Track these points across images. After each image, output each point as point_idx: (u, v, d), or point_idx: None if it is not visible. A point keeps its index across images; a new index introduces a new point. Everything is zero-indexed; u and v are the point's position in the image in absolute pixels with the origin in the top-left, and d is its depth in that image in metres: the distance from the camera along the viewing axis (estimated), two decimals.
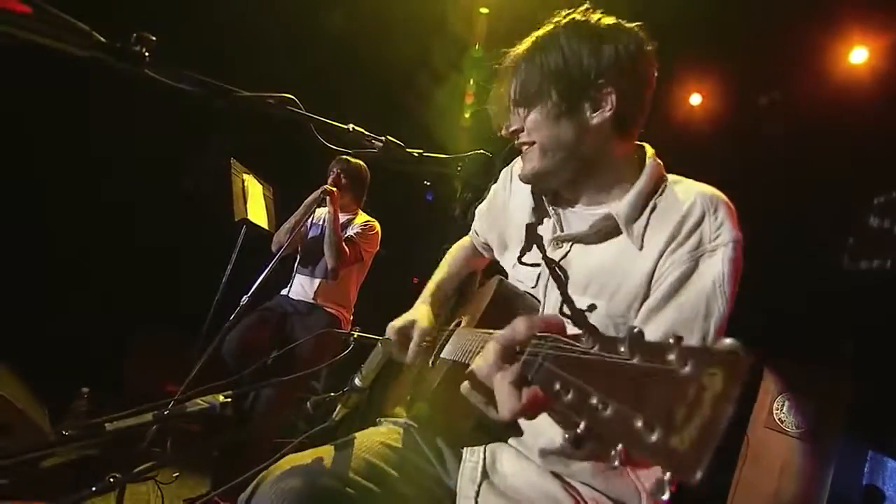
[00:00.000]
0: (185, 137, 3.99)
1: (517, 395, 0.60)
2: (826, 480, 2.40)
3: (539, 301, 1.04)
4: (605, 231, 0.98)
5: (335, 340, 2.55)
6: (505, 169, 1.24)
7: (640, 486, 0.93)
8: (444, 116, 4.43)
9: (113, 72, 0.71)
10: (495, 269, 1.30)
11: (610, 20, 1.00)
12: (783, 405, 2.65)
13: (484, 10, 4.16)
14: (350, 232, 2.94)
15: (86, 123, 3.67)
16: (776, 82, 3.60)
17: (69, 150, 3.69)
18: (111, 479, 0.85)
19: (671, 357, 0.42)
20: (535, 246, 1.06)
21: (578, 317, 0.87)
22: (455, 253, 1.44)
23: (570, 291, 0.97)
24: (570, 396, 0.49)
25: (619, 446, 0.42)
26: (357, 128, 0.96)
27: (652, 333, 0.90)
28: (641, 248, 0.94)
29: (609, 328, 0.93)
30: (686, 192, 0.96)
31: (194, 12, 3.58)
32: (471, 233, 1.41)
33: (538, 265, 1.06)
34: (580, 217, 1.03)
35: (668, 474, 0.38)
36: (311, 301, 2.93)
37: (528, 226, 1.09)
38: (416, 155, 1.00)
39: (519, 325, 0.65)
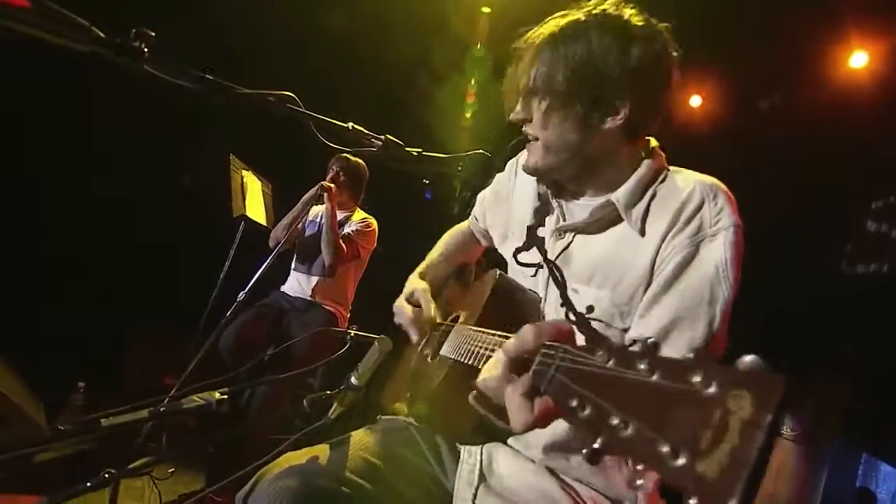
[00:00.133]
0: (185, 133, 3.98)
1: (529, 408, 0.60)
2: (820, 483, 2.41)
3: (539, 296, 1.04)
4: (607, 219, 0.98)
5: (332, 338, 2.55)
6: (511, 160, 1.23)
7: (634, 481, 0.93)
8: (445, 116, 4.43)
9: (113, 67, 0.70)
10: (491, 259, 1.30)
11: (641, 19, 0.96)
12: None
13: (486, 10, 4.15)
14: (347, 229, 2.94)
15: (86, 118, 3.66)
16: (776, 85, 3.60)
17: (68, 145, 3.68)
18: (106, 475, 0.85)
19: (695, 377, 0.40)
20: (535, 247, 1.06)
21: (580, 320, 0.87)
22: (451, 236, 1.43)
23: (573, 282, 0.97)
24: (587, 412, 0.48)
25: (641, 466, 0.41)
26: (357, 126, 0.96)
27: (657, 319, 0.89)
28: (643, 233, 0.94)
29: (615, 317, 0.93)
30: (685, 180, 0.97)
31: (195, 10, 3.57)
32: (470, 218, 1.40)
33: (538, 265, 1.06)
34: (583, 208, 1.03)
35: (694, 499, 0.36)
36: (309, 298, 2.93)
37: (528, 227, 1.09)
38: (416, 154, 1.00)
39: (528, 334, 0.64)
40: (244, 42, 3.83)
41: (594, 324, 0.92)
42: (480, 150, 1.06)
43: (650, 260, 0.91)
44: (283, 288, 3.02)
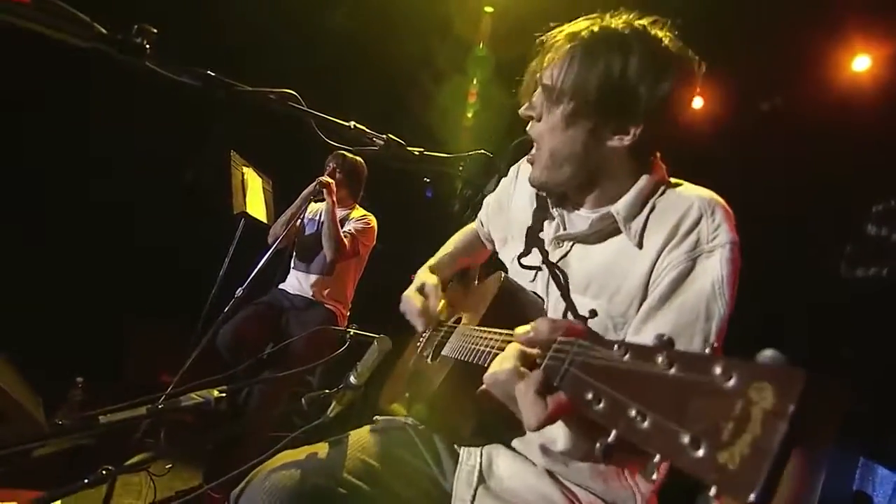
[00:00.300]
0: (185, 131, 3.98)
1: (542, 404, 0.58)
2: (817, 486, 2.41)
3: (542, 298, 1.04)
4: (606, 231, 0.98)
5: (331, 336, 2.55)
6: (514, 165, 1.23)
7: (636, 490, 0.93)
8: (447, 115, 4.42)
9: (114, 65, 0.70)
10: (495, 264, 1.30)
11: (679, 45, 0.94)
12: None
13: (489, 10, 4.14)
14: (347, 227, 2.93)
15: (86, 114, 3.65)
16: (778, 88, 3.60)
17: (69, 141, 3.67)
18: (104, 472, 0.85)
19: (715, 369, 0.40)
20: (535, 249, 1.06)
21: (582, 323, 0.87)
22: (460, 237, 1.44)
23: (571, 290, 0.97)
24: (602, 406, 0.48)
25: (658, 458, 0.41)
26: (358, 125, 0.96)
27: (651, 334, 0.90)
28: (641, 246, 0.93)
29: (609, 329, 0.93)
30: (684, 194, 0.96)
31: (197, 7, 3.56)
32: (476, 222, 1.41)
33: (538, 268, 1.06)
34: (583, 219, 1.03)
35: (714, 489, 0.36)
36: (308, 296, 2.93)
37: (528, 229, 1.09)
38: (417, 153, 1.00)
39: (542, 325, 0.63)
40: (246, 40, 3.83)
41: None
42: (482, 150, 1.06)
43: (646, 273, 0.91)
44: (283, 285, 3.02)
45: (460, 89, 4.68)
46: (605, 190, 1.00)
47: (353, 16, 3.89)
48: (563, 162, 0.97)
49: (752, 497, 0.34)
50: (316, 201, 2.90)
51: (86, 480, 0.82)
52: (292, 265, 3.04)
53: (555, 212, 1.06)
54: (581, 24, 0.96)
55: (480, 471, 0.97)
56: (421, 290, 1.23)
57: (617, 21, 0.94)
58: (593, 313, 0.69)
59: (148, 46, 0.71)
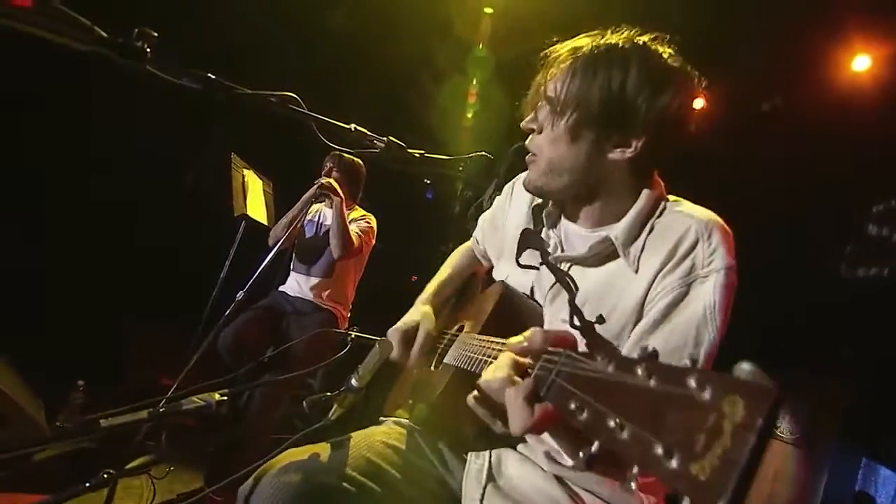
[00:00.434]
0: (186, 133, 3.98)
1: (529, 411, 0.60)
2: (819, 487, 2.41)
3: (541, 305, 1.04)
4: (604, 254, 0.98)
5: (332, 338, 2.55)
6: (508, 183, 1.23)
7: (643, 497, 0.93)
8: (447, 116, 4.43)
9: (113, 68, 0.70)
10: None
11: (677, 60, 0.96)
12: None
13: (488, 10, 4.15)
14: (350, 227, 2.93)
15: (87, 115, 3.66)
16: (778, 88, 3.60)
17: (69, 144, 3.68)
18: (105, 475, 0.85)
19: (690, 382, 0.41)
20: (533, 249, 1.06)
21: (587, 328, 0.88)
22: (457, 255, 1.45)
23: (565, 312, 0.97)
24: (585, 416, 0.49)
25: (636, 469, 0.42)
26: (359, 127, 0.96)
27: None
28: (637, 270, 0.94)
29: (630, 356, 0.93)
30: (682, 215, 0.96)
31: (197, 10, 3.56)
32: (472, 240, 1.42)
33: (534, 268, 1.06)
34: (583, 240, 1.03)
35: (687, 500, 0.37)
36: (309, 298, 2.92)
37: (525, 230, 1.09)
38: (418, 156, 1.00)
39: (535, 336, 0.64)
40: (246, 42, 3.83)
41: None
42: (483, 152, 1.06)
43: (642, 296, 0.92)
44: (283, 288, 3.01)
45: (460, 90, 4.69)
46: (605, 206, 1.00)
47: (353, 17, 3.89)
48: (564, 171, 0.97)
49: None
50: (317, 202, 2.88)
51: (87, 484, 0.82)
52: (292, 267, 3.04)
53: (551, 233, 1.07)
54: (583, 40, 0.97)
55: (490, 469, 0.98)
56: (408, 331, 1.18)
57: (618, 37, 0.96)
58: (601, 319, 0.70)
59: (148, 50, 0.71)
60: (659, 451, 0.41)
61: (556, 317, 0.99)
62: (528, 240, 1.07)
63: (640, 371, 0.46)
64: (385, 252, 3.25)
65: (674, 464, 0.39)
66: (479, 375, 0.73)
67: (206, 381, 1.01)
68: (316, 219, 3.02)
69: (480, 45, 4.36)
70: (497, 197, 1.22)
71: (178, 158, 4.23)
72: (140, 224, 3.96)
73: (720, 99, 3.94)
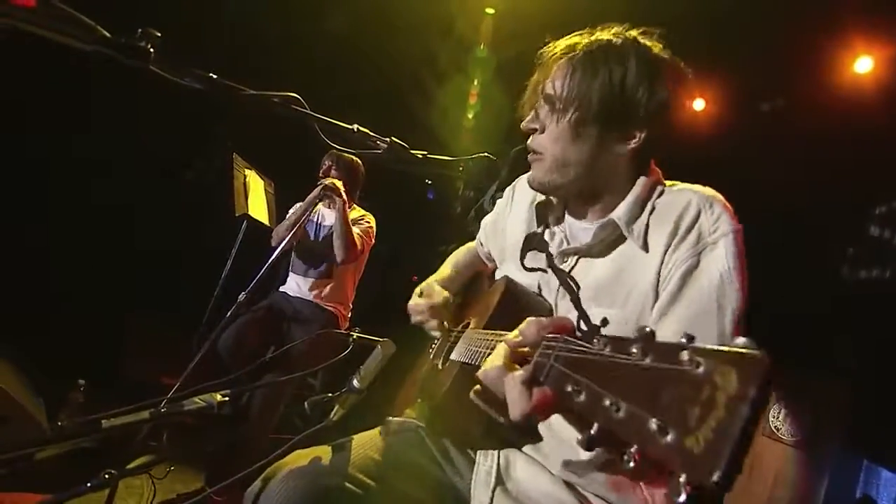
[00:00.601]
0: (187, 132, 3.98)
1: (527, 396, 0.60)
2: (820, 490, 2.40)
3: (549, 302, 1.04)
4: (609, 241, 0.99)
5: (333, 339, 2.55)
6: (510, 186, 1.24)
7: (649, 499, 0.92)
8: (449, 116, 4.42)
9: (116, 67, 0.70)
10: None
11: (668, 53, 0.98)
12: (779, 413, 2.66)
13: (490, 11, 4.15)
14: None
15: (87, 115, 3.66)
16: (780, 90, 3.59)
17: (69, 144, 3.68)
18: (106, 475, 0.84)
19: (683, 357, 0.42)
20: (537, 251, 1.06)
21: (592, 329, 0.88)
22: (460, 254, 1.46)
23: (583, 302, 0.97)
24: (582, 398, 0.50)
25: (633, 448, 0.42)
26: (362, 128, 0.96)
27: (666, 333, 0.90)
28: (646, 249, 0.94)
29: (627, 336, 0.93)
30: (681, 192, 0.98)
31: (200, 10, 3.56)
32: (475, 242, 1.42)
33: (542, 270, 1.06)
34: (586, 231, 1.03)
35: (683, 476, 0.37)
36: (309, 299, 2.92)
37: (531, 233, 1.09)
38: (420, 156, 1.00)
39: (529, 328, 0.65)
40: (249, 43, 3.84)
41: None
42: (485, 153, 1.06)
43: (654, 275, 0.92)
44: (283, 288, 3.01)
45: (461, 90, 4.68)
46: (608, 198, 1.01)
47: (355, 18, 3.89)
48: (569, 167, 0.98)
49: (714, 478, 0.36)
50: (321, 202, 2.87)
51: (88, 484, 0.81)
52: (291, 268, 3.03)
53: (556, 229, 1.08)
54: (577, 38, 0.99)
55: (498, 472, 0.97)
56: (420, 293, 1.26)
57: (610, 33, 0.98)
58: (605, 322, 0.71)
59: (152, 50, 0.71)
60: (654, 427, 0.41)
61: (569, 314, 0.99)
62: (531, 242, 1.07)
63: (635, 350, 0.47)
64: (386, 252, 3.25)
65: (668, 439, 0.39)
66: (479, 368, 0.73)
67: (208, 382, 1.01)
68: (315, 219, 3.01)
69: (482, 46, 4.36)
70: (498, 199, 1.23)
71: (179, 158, 4.23)
72: (141, 223, 3.96)
73: (721, 99, 3.94)
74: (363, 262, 3.06)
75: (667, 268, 0.91)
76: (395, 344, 1.08)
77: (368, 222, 2.97)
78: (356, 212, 3.02)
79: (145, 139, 3.83)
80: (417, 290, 1.29)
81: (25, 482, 1.73)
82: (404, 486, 1.01)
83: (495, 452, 1.00)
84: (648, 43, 0.97)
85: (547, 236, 1.08)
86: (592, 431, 0.47)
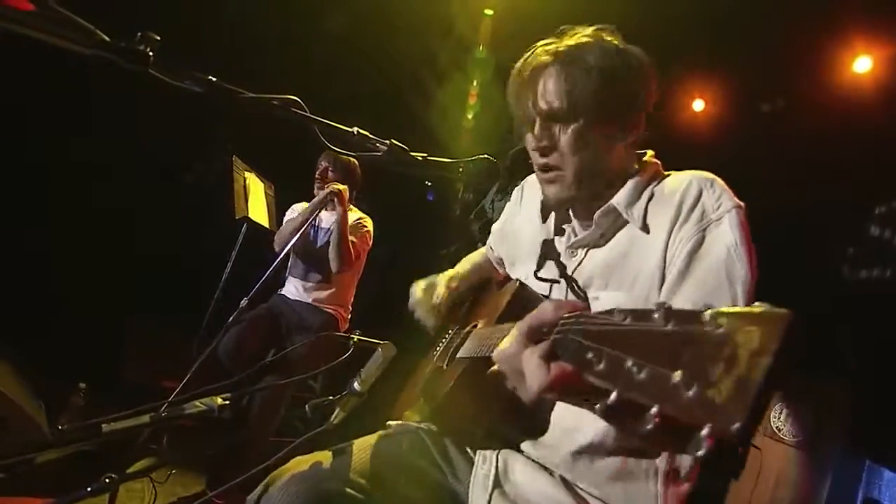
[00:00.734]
0: (187, 135, 3.99)
1: (545, 370, 0.60)
2: (822, 491, 2.40)
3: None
4: (613, 228, 1.00)
5: (334, 342, 2.54)
6: (517, 188, 1.25)
7: (658, 492, 0.92)
8: (448, 117, 4.43)
9: (115, 71, 0.70)
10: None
11: (631, 45, 1.01)
12: (781, 413, 2.65)
13: (489, 12, 4.16)
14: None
15: (87, 118, 3.66)
16: (779, 90, 3.59)
17: (69, 147, 3.68)
18: (107, 479, 0.84)
19: (706, 319, 0.42)
20: (550, 261, 1.07)
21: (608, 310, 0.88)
22: (475, 255, 1.47)
23: (592, 290, 0.99)
24: (602, 365, 0.50)
25: (655, 409, 0.42)
26: (362, 131, 0.96)
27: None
28: (647, 231, 0.95)
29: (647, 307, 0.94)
30: (680, 177, 1.00)
31: (199, 13, 3.57)
32: (486, 248, 1.43)
33: (555, 281, 1.07)
34: (590, 223, 1.04)
35: (705, 429, 0.38)
36: (308, 301, 2.91)
37: (543, 242, 1.10)
38: (420, 159, 1.00)
39: (547, 306, 0.65)
40: (248, 45, 3.84)
41: None
42: (485, 155, 1.06)
43: (660, 255, 0.92)
44: (282, 291, 3.00)
45: (461, 91, 4.69)
46: (610, 196, 1.02)
47: (354, 20, 3.89)
48: (594, 175, 0.99)
49: (734, 427, 0.36)
50: (327, 208, 2.84)
51: (88, 489, 0.81)
52: (289, 271, 3.02)
53: (564, 227, 1.09)
54: (552, 45, 0.99)
55: (497, 475, 0.98)
56: (426, 288, 1.28)
57: (578, 37, 0.99)
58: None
59: (151, 53, 0.70)
60: (676, 382, 0.41)
61: None
62: (546, 252, 1.08)
63: (656, 317, 0.47)
64: (386, 254, 3.24)
65: (691, 393, 0.40)
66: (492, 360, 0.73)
67: (208, 385, 1.00)
68: (316, 223, 3.00)
69: (481, 47, 4.37)
70: (498, 201, 1.24)
71: (178, 161, 4.23)
72: (141, 226, 3.96)
73: (721, 100, 3.95)
74: (361, 264, 3.05)
75: (672, 247, 0.91)
76: (396, 346, 1.08)
77: (365, 226, 2.95)
78: (354, 213, 3.01)
79: (145, 142, 3.83)
80: (423, 283, 1.31)
81: (26, 486, 1.72)
82: (405, 489, 1.01)
83: (494, 455, 1.00)
84: (615, 39, 0.99)
85: (557, 243, 1.10)
86: (610, 400, 0.47)
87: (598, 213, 0.99)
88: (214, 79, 0.82)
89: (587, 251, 1.03)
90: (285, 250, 2.42)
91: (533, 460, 0.99)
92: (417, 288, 1.39)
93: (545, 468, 0.98)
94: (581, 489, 0.95)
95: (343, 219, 2.73)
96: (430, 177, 1.06)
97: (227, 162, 3.14)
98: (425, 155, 1.01)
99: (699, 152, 3.88)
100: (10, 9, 0.60)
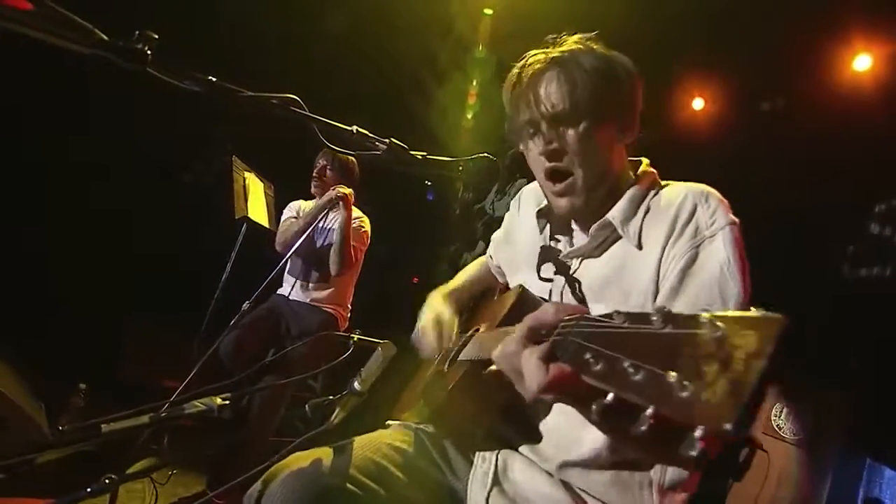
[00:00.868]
0: (186, 135, 3.98)
1: (544, 370, 0.61)
2: (823, 488, 2.40)
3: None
4: (608, 241, 1.00)
5: (334, 341, 2.54)
6: (514, 198, 1.25)
7: (655, 502, 0.92)
8: (448, 117, 4.43)
9: (113, 72, 0.69)
10: None
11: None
12: (782, 412, 2.65)
13: (488, 12, 4.15)
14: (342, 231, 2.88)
15: (85, 118, 3.66)
16: (779, 88, 3.59)
17: (67, 147, 3.68)
18: (106, 480, 0.84)
19: (704, 322, 0.43)
20: (549, 263, 1.07)
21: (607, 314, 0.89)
22: (474, 266, 1.46)
23: (587, 302, 0.99)
24: (599, 366, 0.50)
25: (650, 409, 0.43)
26: (361, 130, 0.96)
27: None
28: (640, 247, 0.95)
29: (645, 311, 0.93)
30: (675, 190, 0.99)
31: (198, 12, 3.56)
32: (486, 257, 1.43)
33: (551, 280, 1.07)
34: (586, 233, 1.04)
35: (698, 430, 0.38)
36: (307, 301, 2.91)
37: (542, 247, 1.11)
38: (420, 157, 1.00)
39: (548, 308, 0.66)
40: (247, 45, 3.83)
41: None
42: (484, 154, 1.06)
43: (653, 271, 0.92)
44: (281, 291, 3.00)
45: (460, 91, 4.69)
46: (608, 196, 1.02)
47: (353, 20, 3.89)
48: (599, 179, 0.99)
49: (727, 426, 0.37)
50: (332, 209, 2.83)
51: (88, 490, 0.81)
52: (289, 271, 3.01)
53: (559, 237, 1.09)
54: (545, 53, 1.00)
55: (495, 473, 0.98)
56: (438, 321, 1.24)
57: (569, 44, 1.00)
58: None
59: (149, 52, 0.70)
60: (671, 383, 0.42)
61: None
62: (546, 254, 1.09)
63: (655, 319, 0.48)
64: (386, 253, 3.24)
65: (685, 393, 0.40)
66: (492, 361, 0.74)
67: (208, 385, 1.00)
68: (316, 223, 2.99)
69: (480, 46, 4.37)
70: (497, 201, 1.23)
71: (178, 161, 4.23)
72: (140, 226, 3.96)
73: (721, 99, 3.94)
74: (360, 263, 3.05)
75: (666, 263, 0.91)
76: (396, 346, 1.08)
77: (363, 226, 2.95)
78: (352, 212, 3.00)
79: (144, 142, 3.83)
80: (432, 309, 1.26)
81: (26, 487, 1.72)
82: (404, 486, 1.01)
83: (493, 454, 1.01)
84: (599, 46, 1.01)
85: (555, 245, 1.10)
86: (606, 400, 0.48)
87: (594, 226, 0.99)
88: (214, 78, 0.82)
89: (581, 261, 1.03)
90: (290, 252, 2.41)
91: (532, 460, 1.00)
92: (427, 321, 1.27)
93: (545, 470, 0.98)
94: (580, 489, 0.95)
95: (347, 223, 2.72)
96: (429, 176, 1.06)
97: (227, 162, 3.14)
98: (425, 154, 1.01)
99: (699, 151, 3.88)
100: (8, 8, 0.59)
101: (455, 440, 1.07)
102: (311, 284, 2.91)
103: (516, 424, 1.00)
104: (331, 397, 1.03)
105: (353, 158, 2.92)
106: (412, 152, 0.99)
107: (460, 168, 1.06)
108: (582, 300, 0.98)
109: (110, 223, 3.78)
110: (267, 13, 3.80)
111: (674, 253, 0.91)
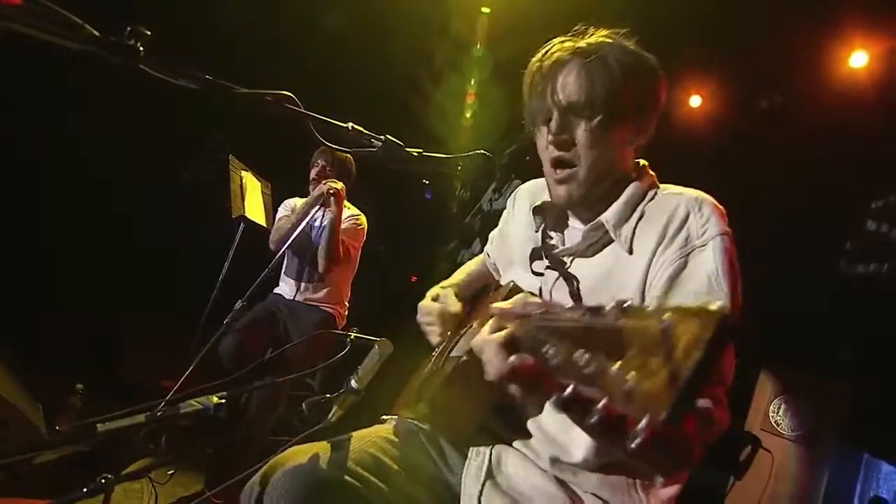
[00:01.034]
0: (184, 134, 3.97)
1: (502, 357, 0.64)
2: (821, 484, 2.41)
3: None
4: (600, 242, 0.99)
5: (331, 339, 2.54)
6: (510, 197, 1.24)
7: (641, 499, 0.93)
8: (445, 116, 4.42)
9: (110, 69, 0.69)
10: None
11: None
12: (779, 408, 2.66)
13: (485, 10, 4.15)
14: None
15: (84, 116, 3.65)
16: (776, 85, 3.60)
17: (66, 146, 3.67)
18: (102, 480, 0.84)
19: (654, 314, 0.45)
20: (542, 255, 1.06)
21: (576, 306, 0.89)
22: (473, 263, 1.45)
23: (580, 297, 0.98)
24: (557, 360, 0.53)
25: (602, 402, 0.45)
26: (356, 126, 0.95)
27: None
28: (631, 252, 0.94)
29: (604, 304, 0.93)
30: (671, 196, 0.98)
31: (193, 10, 3.55)
32: (483, 255, 1.43)
33: (542, 275, 1.06)
34: (577, 232, 1.04)
35: (643, 421, 0.40)
36: (304, 300, 2.90)
37: (533, 249, 1.10)
38: (416, 154, 0.99)
39: (519, 300, 0.70)
40: (243, 42, 3.82)
41: None
42: (481, 151, 1.06)
43: (641, 279, 0.91)
44: (278, 290, 2.99)
45: (458, 90, 4.68)
46: (607, 196, 1.00)
47: (350, 17, 3.88)
48: (607, 173, 0.98)
49: (662, 415, 0.39)
50: (324, 206, 2.82)
51: (84, 490, 0.81)
52: (284, 269, 3.00)
53: (552, 234, 1.08)
54: (572, 42, 0.97)
55: (489, 467, 0.99)
56: (435, 298, 1.24)
57: (597, 36, 0.98)
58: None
59: (141, 48, 0.70)
60: (617, 375, 0.44)
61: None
62: (539, 250, 1.09)
63: (610, 314, 0.50)
64: (384, 252, 3.23)
65: (629, 385, 0.42)
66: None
67: (205, 384, 1.00)
68: (312, 221, 2.98)
69: (478, 45, 4.36)
70: (495, 200, 1.23)
71: (176, 160, 4.22)
72: (138, 225, 3.95)
73: (718, 96, 3.95)
74: (356, 260, 3.03)
75: (654, 270, 0.90)
76: (393, 343, 1.08)
77: (360, 223, 2.94)
78: (347, 210, 2.99)
79: (142, 141, 3.82)
80: (432, 292, 1.27)
81: (23, 487, 1.72)
82: (401, 480, 1.01)
83: (487, 449, 1.01)
84: (630, 43, 0.99)
85: (548, 241, 1.09)
86: (565, 394, 0.50)
87: (587, 227, 0.99)
88: (209, 76, 0.81)
89: (572, 259, 1.02)
90: (283, 249, 2.41)
91: (525, 454, 1.00)
92: (426, 298, 1.30)
93: (538, 466, 0.98)
94: (572, 483, 0.95)
95: (337, 218, 2.71)
96: (426, 174, 1.05)
97: (224, 161, 3.13)
98: (421, 151, 1.01)
99: (696, 148, 3.88)
100: None
101: (449, 435, 1.08)
102: (307, 284, 2.91)
103: (509, 420, 1.00)
104: (328, 395, 1.03)
105: (349, 157, 2.91)
106: (408, 149, 0.99)
107: (459, 166, 1.06)
108: (572, 297, 0.97)
109: (109, 222, 3.77)
110: (263, 12, 3.78)
111: (662, 260, 0.90)
